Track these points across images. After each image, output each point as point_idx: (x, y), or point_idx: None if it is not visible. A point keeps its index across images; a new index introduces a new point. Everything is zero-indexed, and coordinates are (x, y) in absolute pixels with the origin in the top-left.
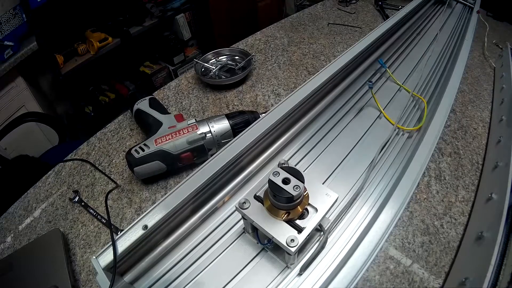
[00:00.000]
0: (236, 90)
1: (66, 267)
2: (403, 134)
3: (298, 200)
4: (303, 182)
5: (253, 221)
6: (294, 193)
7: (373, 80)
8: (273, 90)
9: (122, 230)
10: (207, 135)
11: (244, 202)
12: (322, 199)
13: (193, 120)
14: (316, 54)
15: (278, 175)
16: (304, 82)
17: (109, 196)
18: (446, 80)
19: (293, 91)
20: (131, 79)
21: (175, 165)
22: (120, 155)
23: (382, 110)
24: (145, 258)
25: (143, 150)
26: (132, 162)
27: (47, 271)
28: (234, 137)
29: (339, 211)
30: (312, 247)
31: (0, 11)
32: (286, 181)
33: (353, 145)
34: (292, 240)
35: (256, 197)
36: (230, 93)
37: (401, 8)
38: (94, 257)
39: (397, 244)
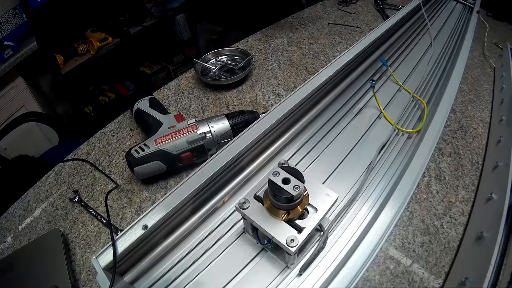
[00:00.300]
0: (236, 90)
1: (66, 267)
2: (402, 135)
3: (298, 200)
4: (303, 182)
5: (253, 221)
6: (294, 193)
7: (374, 79)
8: (273, 90)
9: (122, 230)
10: (207, 135)
11: (244, 202)
12: (322, 199)
13: (193, 120)
14: (316, 54)
15: (278, 175)
16: (304, 82)
17: (109, 196)
18: (446, 80)
19: (293, 91)
20: (131, 79)
21: (175, 165)
22: (120, 155)
23: (382, 110)
24: (145, 258)
25: (143, 150)
26: (132, 162)
27: (47, 271)
28: (234, 137)
29: (339, 211)
30: (312, 247)
31: (0, 11)
32: (286, 181)
33: (353, 145)
34: (292, 240)
35: (256, 197)
36: (230, 93)
37: (401, 8)
38: (94, 257)
39: (397, 244)
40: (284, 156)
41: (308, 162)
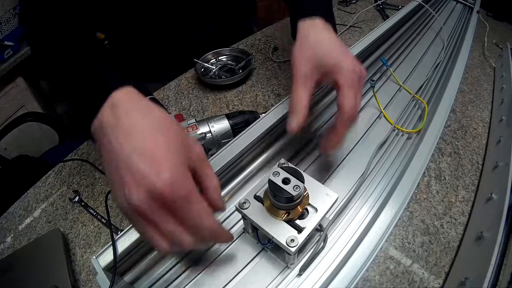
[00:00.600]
0: (236, 90)
1: (66, 267)
2: (402, 135)
3: (298, 200)
4: (303, 182)
5: (253, 221)
6: (294, 193)
7: (374, 79)
8: (273, 90)
9: (122, 230)
10: (207, 135)
11: (244, 202)
12: (322, 199)
13: (193, 120)
14: None
15: (278, 175)
16: None
17: (109, 196)
18: (446, 80)
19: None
20: None
21: None
22: None
23: (382, 110)
24: (145, 258)
25: None
26: None
27: (47, 271)
28: (234, 137)
29: (339, 211)
30: (312, 247)
31: (0, 11)
32: (286, 181)
33: (353, 145)
34: (292, 240)
35: (256, 197)
36: (230, 93)
37: (401, 8)
38: (94, 257)
39: (397, 244)
40: (284, 156)
41: (308, 162)
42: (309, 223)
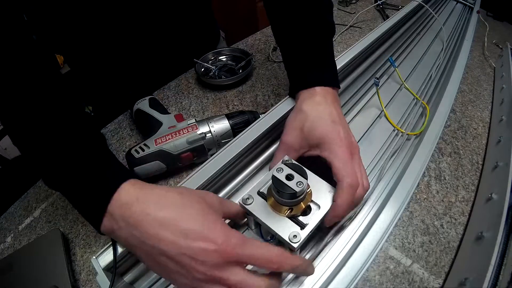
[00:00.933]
0: (236, 90)
1: (66, 267)
2: (402, 135)
3: (301, 197)
4: (306, 179)
5: (256, 217)
6: (297, 189)
7: (378, 77)
8: (273, 90)
9: None
10: (207, 135)
11: (248, 198)
12: (325, 196)
13: (193, 120)
14: None
15: (281, 171)
16: None
17: None
18: (446, 80)
19: (288, 95)
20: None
21: (175, 165)
22: (120, 155)
23: (384, 109)
24: None
25: (143, 150)
26: (132, 162)
27: (47, 271)
28: (234, 137)
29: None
30: (313, 247)
31: None
32: (289, 177)
33: None
34: (295, 236)
35: (260, 193)
36: (230, 93)
37: (401, 8)
38: (94, 257)
39: (397, 244)
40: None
41: (308, 162)
42: (311, 220)
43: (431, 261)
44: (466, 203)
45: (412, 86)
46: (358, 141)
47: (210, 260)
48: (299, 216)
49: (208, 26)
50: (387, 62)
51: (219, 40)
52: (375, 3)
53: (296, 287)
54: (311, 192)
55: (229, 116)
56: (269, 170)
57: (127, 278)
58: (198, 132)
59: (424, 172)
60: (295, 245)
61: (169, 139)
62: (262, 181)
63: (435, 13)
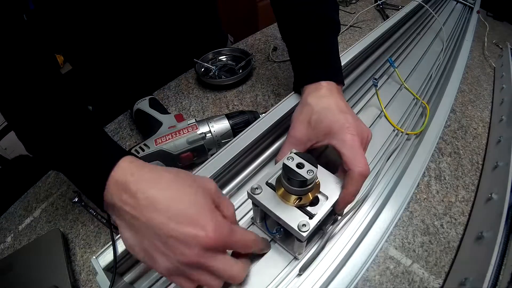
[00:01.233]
0: (236, 90)
1: (66, 267)
2: (402, 135)
3: (311, 186)
4: (317, 168)
5: (265, 206)
6: (308, 176)
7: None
8: (273, 90)
9: None
10: (207, 135)
11: (256, 188)
12: (333, 187)
13: (193, 120)
14: None
15: (292, 159)
16: None
17: None
18: (446, 80)
19: (293, 91)
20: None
21: (175, 165)
22: None
23: (384, 109)
24: None
25: (143, 150)
26: None
27: (47, 271)
28: (234, 137)
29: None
30: (313, 247)
31: None
32: (300, 165)
33: None
34: (304, 225)
35: (268, 184)
36: (230, 93)
37: (401, 8)
38: (94, 257)
39: (397, 244)
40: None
41: None
42: (320, 210)
43: (431, 261)
44: (466, 203)
45: (412, 86)
46: None
47: (198, 246)
48: (307, 206)
49: (212, 26)
50: (387, 62)
51: (227, 44)
52: (375, 3)
53: (296, 286)
54: (319, 183)
55: (229, 116)
56: (275, 163)
57: (127, 278)
58: (198, 132)
59: (424, 172)
60: (304, 234)
61: (169, 139)
62: (270, 172)
63: (435, 13)
